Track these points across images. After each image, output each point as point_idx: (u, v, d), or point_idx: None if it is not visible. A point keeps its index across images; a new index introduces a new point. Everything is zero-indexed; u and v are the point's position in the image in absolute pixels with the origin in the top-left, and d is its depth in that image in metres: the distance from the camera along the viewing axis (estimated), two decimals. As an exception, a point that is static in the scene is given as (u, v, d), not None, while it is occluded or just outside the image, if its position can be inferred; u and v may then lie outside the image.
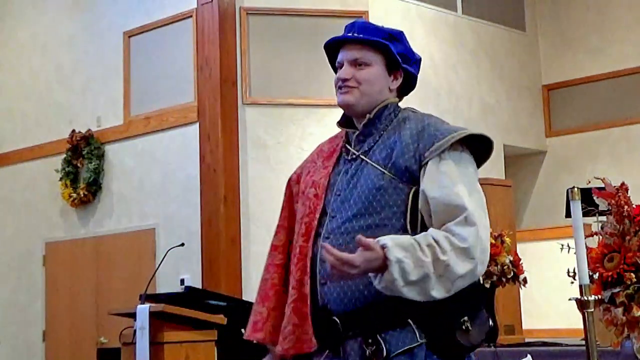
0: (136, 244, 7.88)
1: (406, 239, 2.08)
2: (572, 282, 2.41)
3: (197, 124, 7.46)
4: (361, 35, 2.28)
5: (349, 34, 2.31)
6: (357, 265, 2.02)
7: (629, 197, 2.46)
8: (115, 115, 8.25)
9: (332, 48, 2.37)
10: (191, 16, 7.68)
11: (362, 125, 2.29)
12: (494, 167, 8.77)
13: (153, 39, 8.05)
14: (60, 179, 8.42)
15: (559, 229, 7.19)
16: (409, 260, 2.03)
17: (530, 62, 9.79)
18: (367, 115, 2.29)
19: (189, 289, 6.10)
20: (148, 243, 7.77)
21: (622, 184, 2.47)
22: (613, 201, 2.43)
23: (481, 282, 2.29)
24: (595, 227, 2.48)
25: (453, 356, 2.16)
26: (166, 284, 7.33)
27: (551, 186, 9.48)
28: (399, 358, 2.13)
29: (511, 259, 4.85)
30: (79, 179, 8.36)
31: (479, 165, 2.26)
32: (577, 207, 2.17)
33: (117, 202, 8.15)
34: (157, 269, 6.33)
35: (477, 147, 2.24)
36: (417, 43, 8.37)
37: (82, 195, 8.22)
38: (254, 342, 2.40)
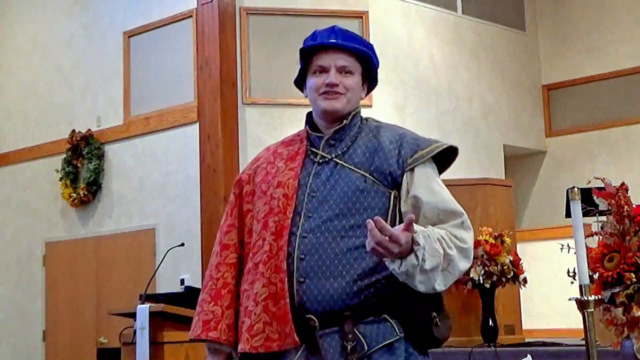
0: (136, 244, 7.88)
1: (425, 229, 2.15)
2: (572, 282, 2.41)
3: (197, 124, 7.46)
4: (355, 45, 2.32)
5: (336, 40, 2.32)
6: (402, 244, 2.06)
7: (629, 197, 2.45)
8: (115, 115, 8.25)
9: (305, 50, 2.38)
10: (191, 16, 7.68)
11: (333, 130, 2.33)
12: (494, 167, 8.77)
13: (153, 39, 8.05)
14: (60, 179, 8.43)
15: (559, 229, 7.18)
16: (427, 248, 2.11)
17: (530, 62, 9.79)
18: (344, 121, 2.33)
19: (189, 289, 6.10)
20: (148, 243, 7.77)
21: (622, 184, 2.47)
22: (613, 201, 2.43)
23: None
24: (595, 227, 2.48)
25: (427, 348, 2.28)
26: (166, 284, 7.33)
27: (551, 186, 9.48)
28: (379, 352, 2.18)
29: (511, 259, 4.84)
30: (79, 179, 8.36)
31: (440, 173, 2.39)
32: (577, 207, 2.17)
33: (117, 202, 8.15)
34: (157, 269, 6.34)
35: (443, 158, 2.36)
36: (417, 43, 8.39)
37: (82, 195, 8.22)
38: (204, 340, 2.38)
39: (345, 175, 2.26)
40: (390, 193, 2.25)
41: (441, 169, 2.37)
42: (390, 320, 2.21)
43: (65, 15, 8.86)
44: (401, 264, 2.10)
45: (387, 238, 2.04)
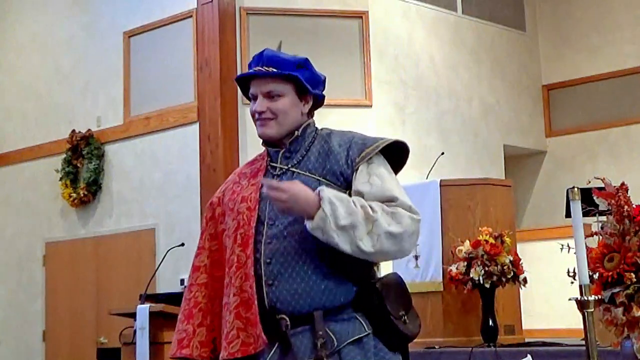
0: (136, 244, 7.89)
1: (342, 194, 2.31)
2: (572, 282, 2.41)
3: (197, 124, 7.46)
4: (272, 69, 2.42)
5: (259, 67, 2.43)
6: (285, 190, 2.23)
7: (629, 197, 2.45)
8: (115, 115, 8.25)
9: (244, 78, 2.51)
10: (191, 16, 7.68)
11: (288, 143, 2.45)
12: (494, 167, 8.78)
13: (153, 39, 8.05)
14: (60, 179, 8.43)
15: (559, 229, 7.18)
16: (341, 206, 2.25)
17: (530, 62, 9.79)
18: (296, 133, 2.44)
19: (189, 289, 6.08)
20: (148, 243, 7.78)
21: (622, 184, 2.47)
22: (613, 201, 2.43)
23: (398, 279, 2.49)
24: (595, 227, 2.48)
25: (396, 344, 2.38)
26: (166, 284, 7.33)
27: (551, 186, 9.48)
28: (348, 347, 2.29)
29: (511, 259, 4.84)
30: (79, 179, 8.36)
31: (396, 170, 2.48)
32: (577, 207, 2.17)
33: (117, 202, 8.15)
34: (157, 269, 6.34)
35: (396, 156, 2.48)
36: (417, 43, 8.39)
37: (82, 195, 8.22)
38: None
39: (301, 181, 2.35)
40: (345, 192, 2.34)
41: (398, 166, 2.49)
42: (359, 318, 2.33)
43: (66, 16, 8.86)
44: (313, 220, 2.23)
45: (271, 189, 2.25)
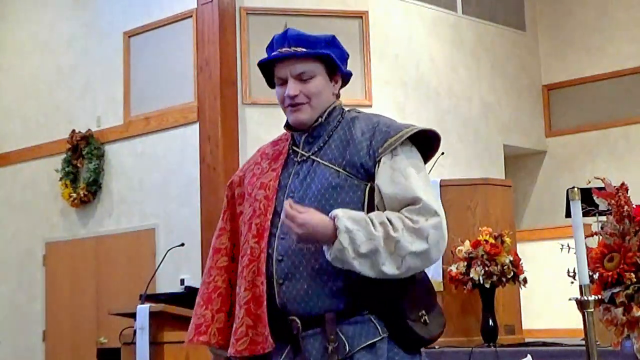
0: (136, 244, 7.89)
1: (359, 213, 2.14)
2: (572, 282, 2.41)
3: (197, 124, 7.46)
4: (302, 49, 2.26)
5: (287, 48, 2.28)
6: (302, 224, 2.08)
7: (629, 197, 2.45)
8: (115, 115, 8.25)
9: (265, 63, 2.35)
10: (191, 16, 7.68)
11: (311, 128, 2.31)
12: (494, 167, 8.78)
13: (153, 39, 8.05)
14: (60, 179, 8.43)
15: (559, 229, 7.18)
16: (359, 232, 2.09)
17: (530, 62, 9.79)
18: (319, 119, 2.30)
19: (189, 289, 6.10)
20: (148, 243, 7.78)
21: (622, 184, 2.47)
22: (613, 201, 2.43)
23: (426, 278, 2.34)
24: (595, 227, 2.48)
25: (414, 348, 2.23)
26: (166, 284, 7.33)
27: (551, 186, 9.48)
28: (361, 353, 2.16)
29: (511, 259, 4.84)
30: (79, 179, 8.36)
31: (426, 160, 2.32)
32: (577, 207, 2.17)
33: (117, 202, 8.15)
34: (157, 269, 6.34)
35: (426, 143, 2.30)
36: (417, 43, 8.39)
37: (82, 195, 8.22)
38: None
39: (320, 172, 2.23)
40: (366, 185, 2.20)
41: (427, 154, 2.32)
42: (373, 321, 2.18)
43: (66, 15, 8.86)
44: (331, 249, 2.10)
45: (286, 216, 2.11)
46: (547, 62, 9.87)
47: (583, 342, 2.19)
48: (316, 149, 2.29)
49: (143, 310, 5.18)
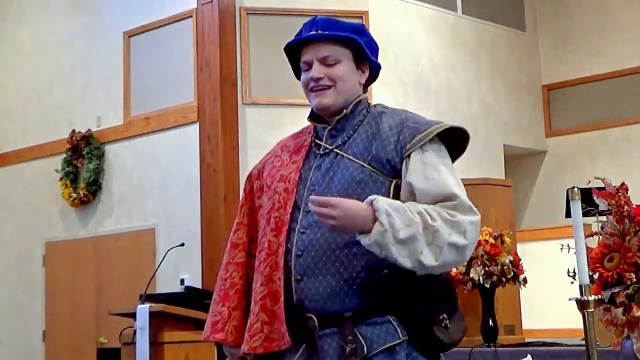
0: (136, 244, 7.88)
1: (395, 200, 2.08)
2: (572, 282, 2.41)
3: (197, 124, 7.46)
4: (331, 32, 2.21)
5: (314, 32, 2.22)
6: (335, 205, 1.99)
7: (629, 197, 2.45)
8: (115, 115, 8.25)
9: (292, 50, 2.29)
10: (191, 16, 7.68)
11: (335, 120, 2.24)
12: (494, 167, 8.77)
13: (153, 39, 8.05)
14: (60, 179, 8.43)
15: (559, 229, 7.18)
16: (398, 217, 2.01)
17: (530, 62, 9.79)
18: (344, 111, 2.23)
19: (189, 289, 6.10)
20: (148, 243, 7.77)
21: (622, 184, 2.47)
22: (613, 201, 2.43)
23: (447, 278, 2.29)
24: (595, 227, 2.48)
25: (433, 352, 2.16)
26: (166, 284, 7.33)
27: (551, 186, 9.48)
28: (378, 356, 2.09)
29: (511, 259, 4.84)
30: (79, 179, 8.36)
31: (454, 159, 2.26)
32: (577, 207, 2.17)
33: (117, 202, 8.15)
34: (157, 269, 6.34)
35: (453, 141, 2.24)
36: (417, 43, 8.39)
37: (82, 195, 8.22)
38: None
39: (344, 166, 2.17)
40: (391, 182, 2.14)
41: (455, 152, 2.25)
42: (393, 322, 2.11)
43: (66, 15, 8.86)
44: (369, 235, 2.01)
45: (318, 204, 2.01)
46: (547, 62, 9.87)
47: (583, 342, 2.19)
48: (340, 142, 2.22)
49: (143, 310, 5.18)
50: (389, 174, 2.15)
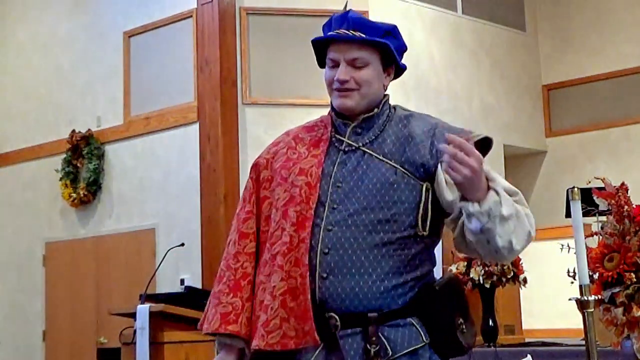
0: (136, 244, 7.88)
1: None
2: (572, 282, 2.41)
3: (197, 124, 7.46)
4: (363, 35, 2.16)
5: (345, 31, 2.17)
6: (477, 157, 1.97)
7: (629, 197, 2.45)
8: (115, 115, 8.25)
9: (320, 41, 2.24)
10: (191, 16, 7.68)
11: (362, 118, 2.21)
12: (494, 167, 8.65)
13: (153, 39, 8.05)
14: (60, 179, 8.43)
15: (558, 229, 7.17)
16: (502, 193, 2.04)
17: (530, 62, 9.79)
18: (375, 110, 2.21)
19: (189, 289, 6.10)
20: (148, 243, 7.77)
21: (622, 184, 2.47)
22: (613, 201, 2.43)
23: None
24: (595, 227, 2.48)
25: (450, 356, 2.16)
26: (166, 284, 7.33)
27: (551, 186, 9.48)
28: (402, 359, 2.07)
29: (511, 259, 4.83)
30: (79, 179, 8.36)
31: None
32: (577, 207, 2.17)
33: (117, 202, 8.15)
34: (157, 269, 6.34)
35: (477, 148, 2.18)
36: (417, 43, 8.38)
37: (82, 195, 8.22)
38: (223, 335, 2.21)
39: (374, 166, 2.14)
40: (422, 185, 2.12)
41: None
42: (416, 325, 2.09)
43: (66, 15, 8.86)
44: (483, 202, 2.00)
45: (457, 147, 1.96)
46: (547, 62, 9.87)
47: (583, 342, 2.19)
48: (367, 141, 2.18)
49: (143, 310, 5.18)
50: (421, 177, 2.13)
